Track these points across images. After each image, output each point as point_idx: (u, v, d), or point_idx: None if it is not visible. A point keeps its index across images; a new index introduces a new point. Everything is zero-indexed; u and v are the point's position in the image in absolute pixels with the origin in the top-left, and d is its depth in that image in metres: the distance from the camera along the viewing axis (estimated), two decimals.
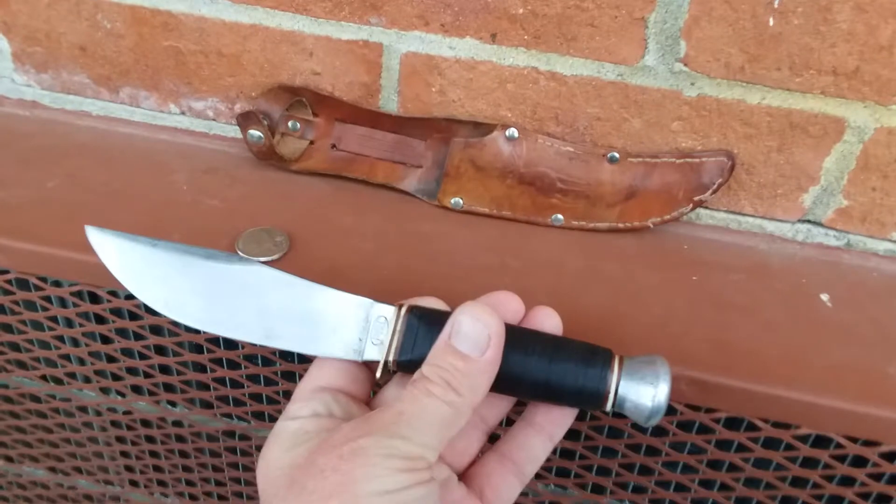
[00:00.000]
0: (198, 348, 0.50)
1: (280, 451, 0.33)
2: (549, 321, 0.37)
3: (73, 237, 0.47)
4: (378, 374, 0.35)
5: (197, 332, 0.49)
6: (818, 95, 0.48)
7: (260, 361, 0.50)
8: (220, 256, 0.38)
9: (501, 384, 0.34)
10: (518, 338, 0.35)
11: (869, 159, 0.49)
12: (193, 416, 0.55)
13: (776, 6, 0.45)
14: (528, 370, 0.35)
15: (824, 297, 0.49)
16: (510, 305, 0.37)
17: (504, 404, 0.39)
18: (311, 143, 0.56)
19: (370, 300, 0.36)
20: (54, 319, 0.52)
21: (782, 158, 0.51)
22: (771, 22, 0.46)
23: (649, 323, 0.46)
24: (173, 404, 0.55)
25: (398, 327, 0.35)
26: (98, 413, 0.58)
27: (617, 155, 0.51)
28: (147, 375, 0.53)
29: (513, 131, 0.52)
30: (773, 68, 0.47)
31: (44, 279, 0.49)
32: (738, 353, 0.44)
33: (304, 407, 0.34)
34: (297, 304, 0.36)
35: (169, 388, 0.54)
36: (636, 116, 0.51)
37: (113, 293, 0.48)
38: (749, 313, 0.47)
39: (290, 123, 0.55)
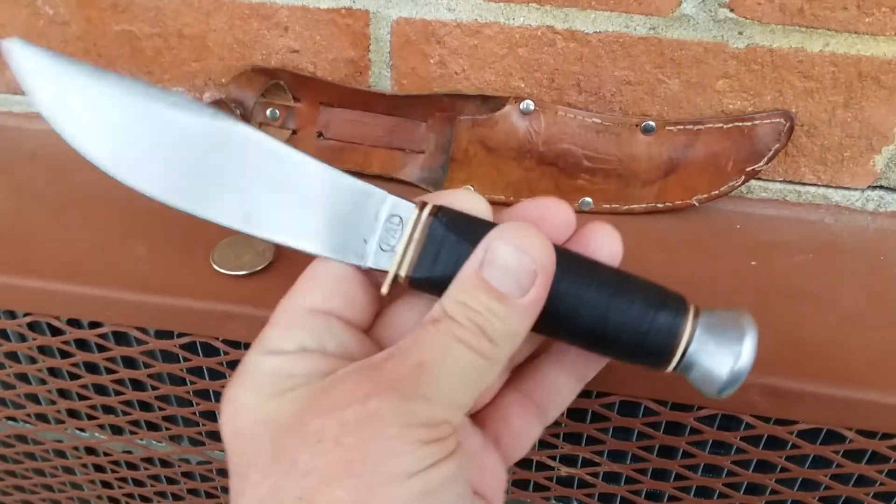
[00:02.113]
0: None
1: (256, 397, 0.25)
2: (607, 244, 0.28)
3: (23, 261, 0.40)
4: (384, 289, 0.28)
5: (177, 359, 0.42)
6: (893, 38, 0.40)
7: None
8: (189, 106, 0.28)
9: (543, 325, 0.26)
10: (569, 267, 0.27)
11: None
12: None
13: None
14: (580, 311, 0.27)
15: None
16: (558, 218, 0.28)
17: (538, 336, 0.31)
18: (294, 132, 0.48)
19: (384, 192, 0.28)
20: (12, 356, 0.45)
21: (850, 115, 0.43)
22: None
23: None
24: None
25: (417, 234, 0.27)
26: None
27: (652, 124, 0.44)
28: (124, 413, 0.46)
29: (528, 104, 0.44)
30: (839, 7, 0.39)
31: None
32: (817, 353, 0.37)
33: (289, 337, 0.26)
34: (287, 183, 0.28)
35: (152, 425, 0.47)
36: (673, 77, 0.43)
37: (74, 322, 0.41)
38: (824, 302, 0.40)
39: (268, 112, 0.48)
